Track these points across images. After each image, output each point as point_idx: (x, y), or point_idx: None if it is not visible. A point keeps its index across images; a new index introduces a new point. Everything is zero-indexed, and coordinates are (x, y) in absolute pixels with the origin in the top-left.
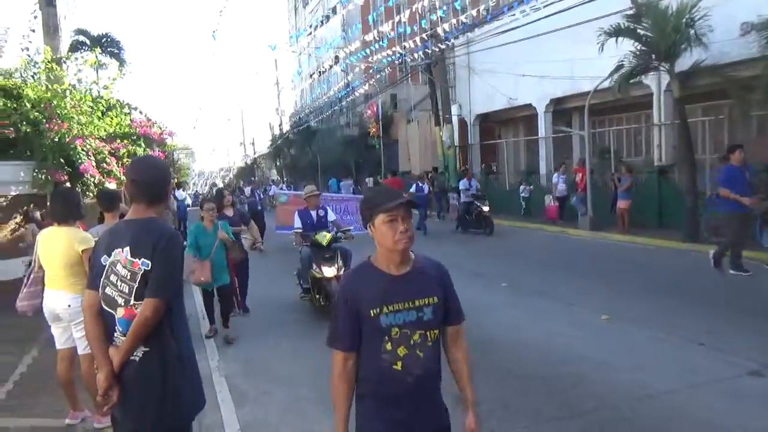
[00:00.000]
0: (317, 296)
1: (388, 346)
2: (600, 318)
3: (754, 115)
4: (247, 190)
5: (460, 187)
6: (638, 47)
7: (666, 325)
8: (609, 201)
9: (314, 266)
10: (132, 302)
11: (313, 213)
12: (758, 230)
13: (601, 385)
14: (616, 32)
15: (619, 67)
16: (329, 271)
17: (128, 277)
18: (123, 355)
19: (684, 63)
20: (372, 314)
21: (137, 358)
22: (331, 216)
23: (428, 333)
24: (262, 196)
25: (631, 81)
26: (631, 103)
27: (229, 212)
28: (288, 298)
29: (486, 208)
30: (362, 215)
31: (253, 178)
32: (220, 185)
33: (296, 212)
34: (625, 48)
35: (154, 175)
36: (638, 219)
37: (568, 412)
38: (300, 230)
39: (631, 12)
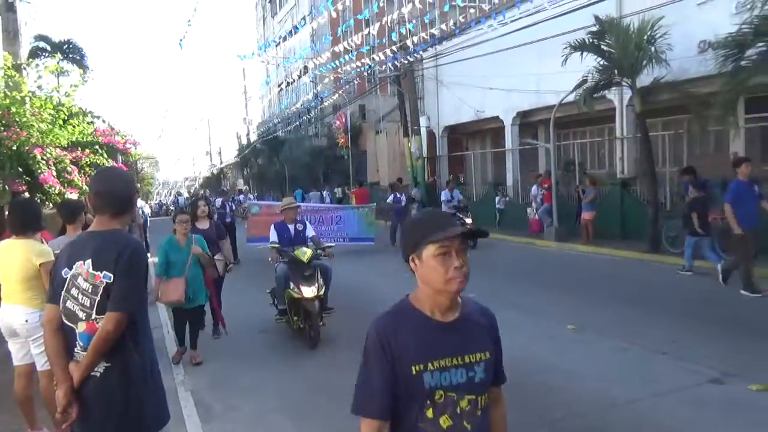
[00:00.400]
0: (295, 318)
1: (429, 414)
2: (566, 328)
3: (712, 130)
4: (218, 201)
5: (441, 198)
6: (601, 63)
7: (630, 334)
8: (574, 212)
9: (292, 285)
10: (94, 316)
11: (291, 227)
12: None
13: (569, 394)
14: (581, 47)
15: (583, 81)
16: (309, 291)
17: (90, 291)
18: (83, 371)
19: (645, 79)
20: (414, 371)
21: (98, 374)
22: (310, 231)
23: (479, 399)
24: (234, 207)
25: (595, 95)
26: (594, 117)
27: (204, 224)
28: (258, 313)
29: (469, 221)
30: (404, 244)
31: (224, 188)
32: (185, 195)
33: (272, 225)
34: (588, 63)
35: (118, 186)
36: (602, 230)
37: (538, 421)
38: (276, 245)
39: (594, 29)
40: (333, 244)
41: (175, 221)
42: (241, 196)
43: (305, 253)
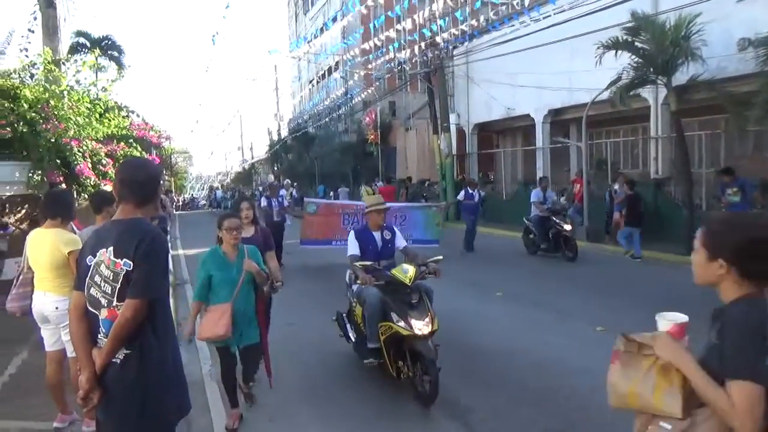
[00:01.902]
0: (398, 363)
1: None
2: (595, 329)
3: (751, 131)
4: (263, 200)
5: (532, 199)
6: (636, 60)
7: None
8: (604, 212)
9: (394, 317)
10: (114, 303)
11: (377, 235)
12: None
13: (598, 398)
14: (615, 45)
15: (617, 79)
16: (422, 326)
17: (111, 278)
18: (105, 357)
19: (681, 77)
20: None
21: (118, 360)
22: (401, 241)
23: None
24: (285, 203)
25: (629, 94)
26: (628, 116)
27: (248, 232)
28: (308, 328)
29: (568, 227)
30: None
31: (272, 182)
32: (218, 188)
33: (352, 233)
34: (622, 61)
35: (142, 175)
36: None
37: (561, 424)
38: (357, 259)
39: (629, 25)
40: (441, 257)
41: (220, 226)
42: (282, 191)
43: (407, 271)
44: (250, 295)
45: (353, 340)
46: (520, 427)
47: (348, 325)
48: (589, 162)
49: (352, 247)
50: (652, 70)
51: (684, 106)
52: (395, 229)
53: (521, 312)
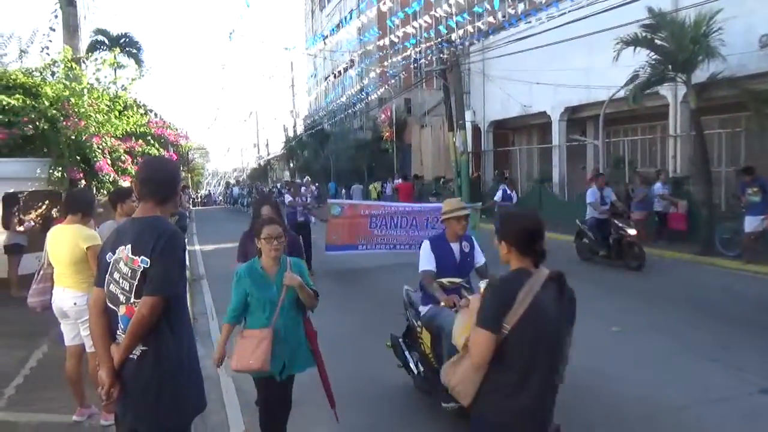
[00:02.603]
0: None
1: None
2: (611, 329)
3: None
4: (287, 197)
5: (588, 199)
6: (654, 57)
7: (678, 338)
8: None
9: None
10: (132, 300)
11: (455, 247)
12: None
13: (611, 398)
14: (634, 42)
15: (635, 77)
16: None
17: (129, 275)
18: (122, 353)
19: (701, 74)
20: None
21: (135, 356)
22: (480, 255)
23: None
24: (309, 200)
25: (647, 91)
26: (646, 114)
27: None
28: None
29: (632, 232)
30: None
31: (295, 179)
32: (233, 182)
33: (426, 242)
34: (640, 58)
35: (161, 175)
36: (652, 230)
37: (577, 424)
38: (433, 275)
39: (648, 22)
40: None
41: (258, 234)
42: (303, 189)
43: None
44: (295, 316)
45: (418, 373)
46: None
47: (407, 353)
48: (606, 160)
49: (426, 261)
50: (671, 67)
51: (704, 104)
52: (474, 240)
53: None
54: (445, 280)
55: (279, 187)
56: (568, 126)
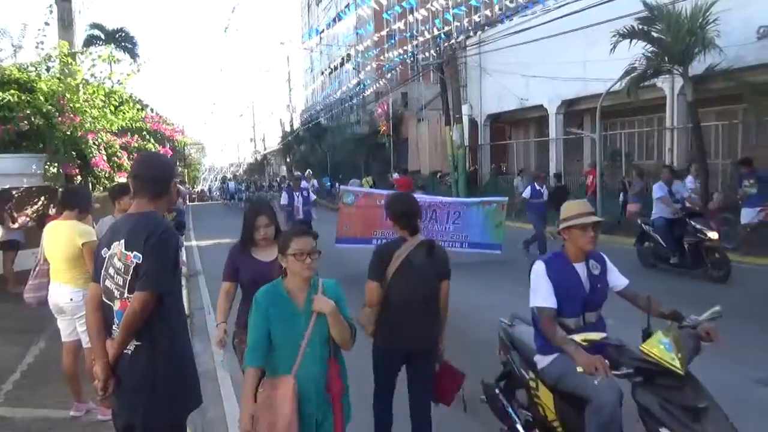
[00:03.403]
0: None
1: None
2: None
3: None
4: (284, 196)
5: (655, 195)
6: (651, 50)
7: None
8: (619, 204)
9: None
10: (126, 295)
11: (581, 269)
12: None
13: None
14: (630, 34)
15: (632, 70)
16: None
17: (123, 270)
18: (117, 348)
19: (698, 66)
20: None
21: (129, 352)
22: (618, 276)
23: None
24: (310, 197)
25: (644, 84)
26: (643, 106)
27: (269, 254)
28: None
29: (713, 235)
30: None
31: (297, 174)
32: (230, 179)
33: (540, 266)
34: (637, 51)
35: (154, 171)
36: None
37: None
38: (555, 314)
39: (644, 15)
40: (718, 309)
41: (284, 247)
42: (305, 183)
43: (670, 347)
44: (325, 356)
45: None
46: None
47: (512, 411)
48: (603, 153)
49: (543, 293)
50: (667, 59)
51: (701, 96)
52: (604, 257)
53: None
54: (578, 338)
55: (279, 181)
56: (565, 119)
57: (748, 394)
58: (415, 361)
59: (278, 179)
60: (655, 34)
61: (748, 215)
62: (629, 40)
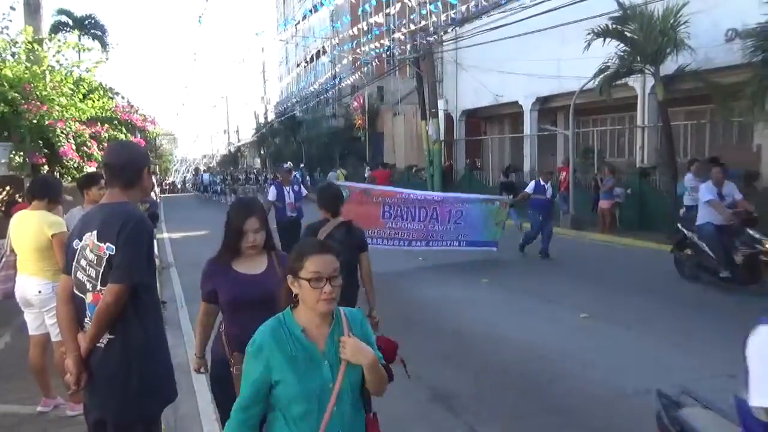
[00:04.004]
0: None
1: None
2: (579, 316)
3: (736, 121)
4: (271, 191)
5: (702, 198)
6: (623, 49)
7: (644, 325)
8: (591, 201)
9: None
10: (99, 287)
11: None
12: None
13: (579, 382)
14: (605, 33)
15: (605, 68)
16: None
17: (95, 262)
18: (89, 342)
19: (669, 66)
20: None
21: (102, 345)
22: None
23: None
24: (303, 191)
25: (616, 83)
26: (616, 105)
27: (257, 266)
28: None
29: None
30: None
31: (288, 164)
32: (205, 170)
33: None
34: (610, 50)
35: (122, 158)
36: (619, 219)
37: (546, 408)
38: None
39: (618, 14)
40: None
41: (296, 270)
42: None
43: None
44: (357, 414)
45: None
46: (505, 412)
47: None
48: (576, 150)
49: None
50: (639, 59)
51: (671, 96)
52: None
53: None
54: None
55: (256, 173)
56: (539, 115)
57: (709, 383)
58: None
59: (255, 171)
60: (628, 34)
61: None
62: (603, 39)
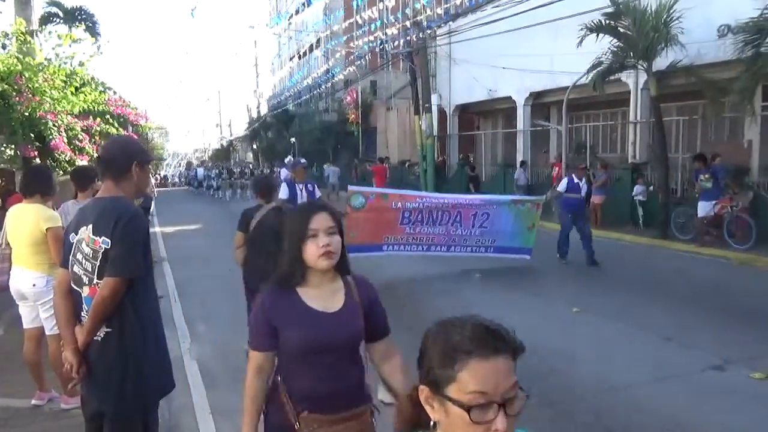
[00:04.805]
0: None
1: None
2: (570, 311)
3: (727, 117)
4: (283, 187)
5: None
6: (616, 45)
7: (635, 319)
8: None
9: None
10: (95, 281)
11: None
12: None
13: (571, 376)
14: (598, 29)
15: (598, 64)
16: None
17: (91, 255)
18: (86, 335)
19: (662, 62)
20: None
21: (99, 338)
22: None
23: None
24: (317, 192)
25: (610, 78)
26: (609, 100)
27: (333, 302)
28: None
29: None
30: None
31: (301, 159)
32: (199, 164)
33: None
34: (603, 45)
35: (113, 152)
36: (611, 215)
37: (537, 402)
38: None
39: (610, 10)
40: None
41: (446, 382)
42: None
43: None
44: None
45: None
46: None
47: None
48: (569, 145)
49: None
50: (632, 54)
51: (663, 92)
52: None
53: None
54: None
55: (252, 168)
56: (532, 111)
57: (698, 376)
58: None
59: (251, 165)
60: (621, 29)
61: (704, 209)
62: (596, 34)
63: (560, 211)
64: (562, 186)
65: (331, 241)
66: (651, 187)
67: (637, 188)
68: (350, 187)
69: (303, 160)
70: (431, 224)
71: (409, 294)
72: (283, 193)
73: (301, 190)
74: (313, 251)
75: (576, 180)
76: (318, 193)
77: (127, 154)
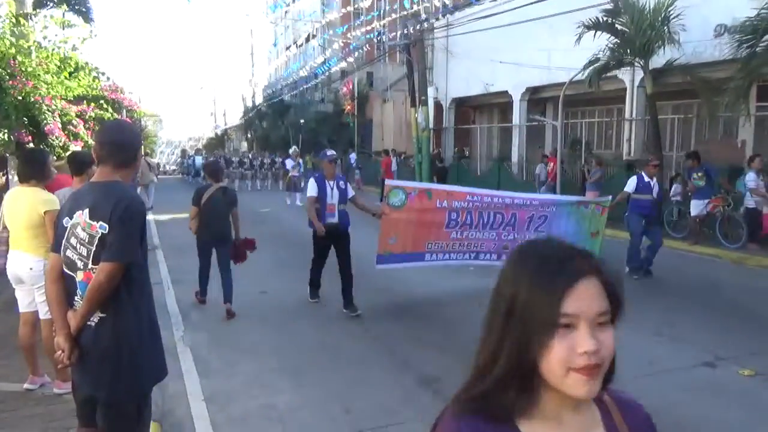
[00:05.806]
0: None
1: None
2: None
3: (721, 116)
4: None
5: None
6: (613, 41)
7: (626, 315)
8: (578, 192)
9: None
10: (90, 266)
11: None
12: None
13: None
14: (595, 26)
15: (595, 60)
16: None
17: (87, 240)
18: (79, 320)
19: (658, 60)
20: None
21: (93, 323)
22: None
23: None
24: (349, 189)
25: (606, 75)
26: (604, 97)
27: None
28: (258, 273)
29: None
30: None
31: (334, 152)
32: (191, 152)
33: None
34: (601, 42)
35: (123, 138)
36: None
37: None
38: None
39: (609, 6)
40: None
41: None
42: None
43: None
44: None
45: None
46: None
47: None
48: (564, 141)
49: None
50: (629, 52)
51: (659, 90)
52: None
53: None
54: None
55: (251, 158)
56: (528, 106)
57: (689, 372)
58: (217, 246)
59: (249, 155)
60: (619, 27)
61: (697, 207)
62: (594, 31)
63: (628, 214)
64: (630, 186)
65: (602, 343)
66: (688, 188)
67: (676, 188)
68: (388, 182)
69: (331, 152)
70: (481, 228)
71: (413, 292)
72: (311, 190)
73: (332, 188)
74: (563, 358)
75: (647, 179)
76: (351, 192)
77: (135, 143)
